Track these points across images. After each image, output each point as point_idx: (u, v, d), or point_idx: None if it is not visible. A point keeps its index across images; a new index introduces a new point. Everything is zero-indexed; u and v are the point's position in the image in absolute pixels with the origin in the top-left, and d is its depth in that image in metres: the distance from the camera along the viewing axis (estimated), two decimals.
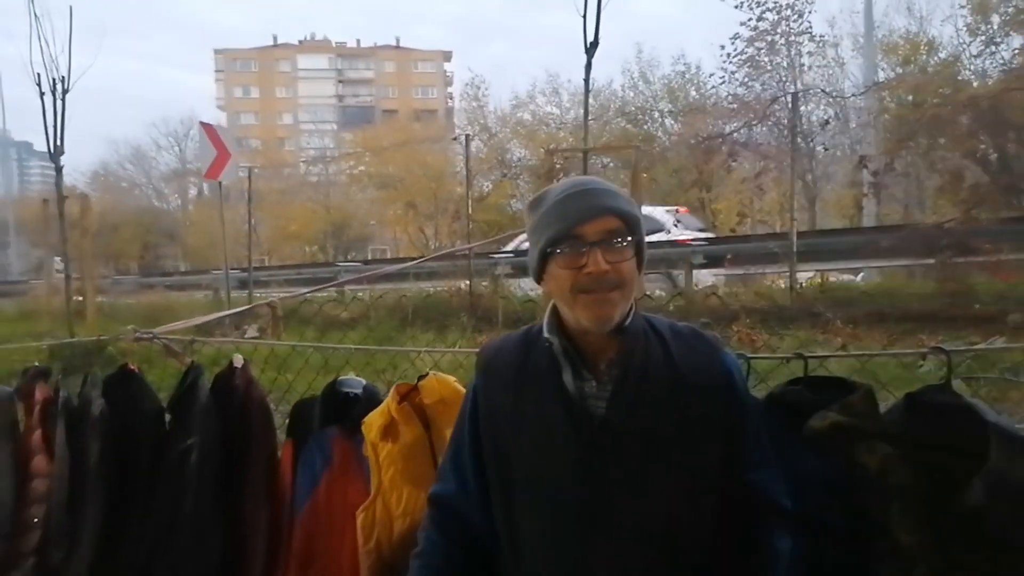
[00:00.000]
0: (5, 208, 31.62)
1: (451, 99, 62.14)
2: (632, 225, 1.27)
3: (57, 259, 8.03)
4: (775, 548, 1.33)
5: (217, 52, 69.04)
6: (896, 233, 6.64)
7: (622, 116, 24.77)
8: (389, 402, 2.14)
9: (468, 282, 7.62)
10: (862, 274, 8.44)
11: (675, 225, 9.24)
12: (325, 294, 8.09)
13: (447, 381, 2.15)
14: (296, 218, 30.19)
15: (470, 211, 8.35)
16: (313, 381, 3.05)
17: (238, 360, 2.56)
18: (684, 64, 23.97)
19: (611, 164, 18.84)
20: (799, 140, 18.64)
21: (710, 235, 9.19)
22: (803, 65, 20.21)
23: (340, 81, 69.94)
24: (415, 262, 8.37)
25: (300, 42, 72.09)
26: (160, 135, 41.77)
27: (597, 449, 1.27)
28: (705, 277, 7.58)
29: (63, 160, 7.03)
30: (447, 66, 70.40)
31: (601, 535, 1.27)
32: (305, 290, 6.53)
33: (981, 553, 1.46)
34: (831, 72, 20.41)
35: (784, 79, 20.11)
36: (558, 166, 6.85)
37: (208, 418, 2.46)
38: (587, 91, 5.25)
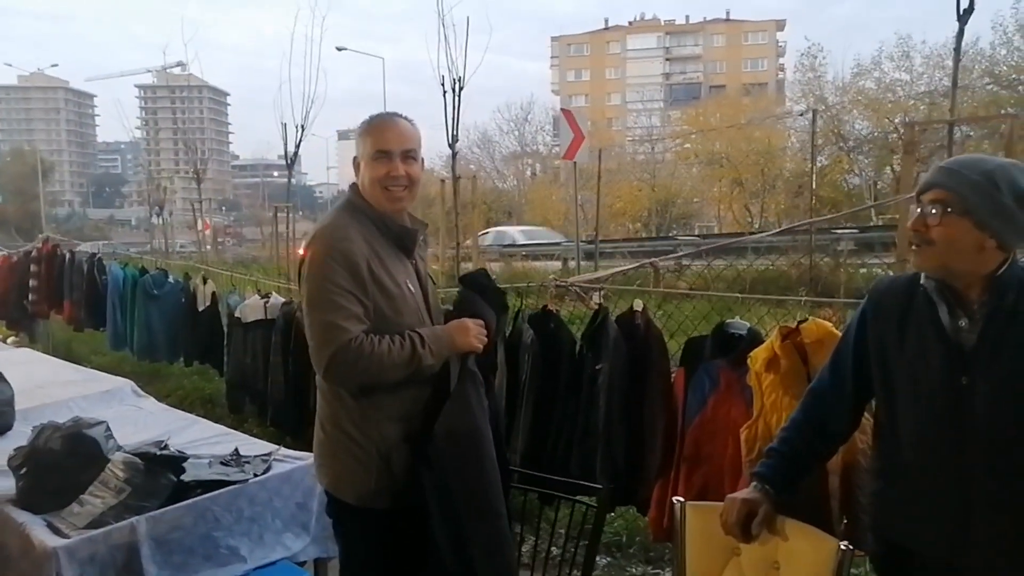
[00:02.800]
0: None
1: (783, 71, 59.19)
2: (958, 198, 1.58)
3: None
4: None
5: (553, 39, 73.49)
6: None
7: (991, 79, 21.80)
8: (773, 340, 2.60)
9: (809, 257, 7.68)
10: None
11: None
12: (664, 265, 8.66)
13: (824, 325, 2.55)
14: (622, 196, 31.27)
15: (814, 186, 8.28)
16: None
17: (638, 304, 3.20)
18: None
19: (972, 135, 16.75)
20: None
21: None
22: None
23: (668, 59, 70.36)
24: (756, 236, 8.60)
25: (630, 23, 73.80)
26: (503, 120, 45.71)
27: (965, 369, 1.62)
28: None
29: (428, 149, 8.46)
30: (780, 36, 67.14)
31: (968, 433, 1.61)
32: (667, 257, 7.17)
33: None
34: None
35: None
36: (917, 138, 6.58)
37: (616, 348, 3.13)
38: (957, 60, 5.06)
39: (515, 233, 13.92)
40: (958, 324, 1.66)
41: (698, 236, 15.08)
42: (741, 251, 8.93)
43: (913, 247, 1.67)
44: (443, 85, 8.09)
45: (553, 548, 3.03)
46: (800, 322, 2.60)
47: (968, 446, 1.63)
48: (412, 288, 2.07)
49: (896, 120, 23.69)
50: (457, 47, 8.01)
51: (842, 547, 1.70)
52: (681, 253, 7.50)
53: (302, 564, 2.79)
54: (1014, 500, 1.60)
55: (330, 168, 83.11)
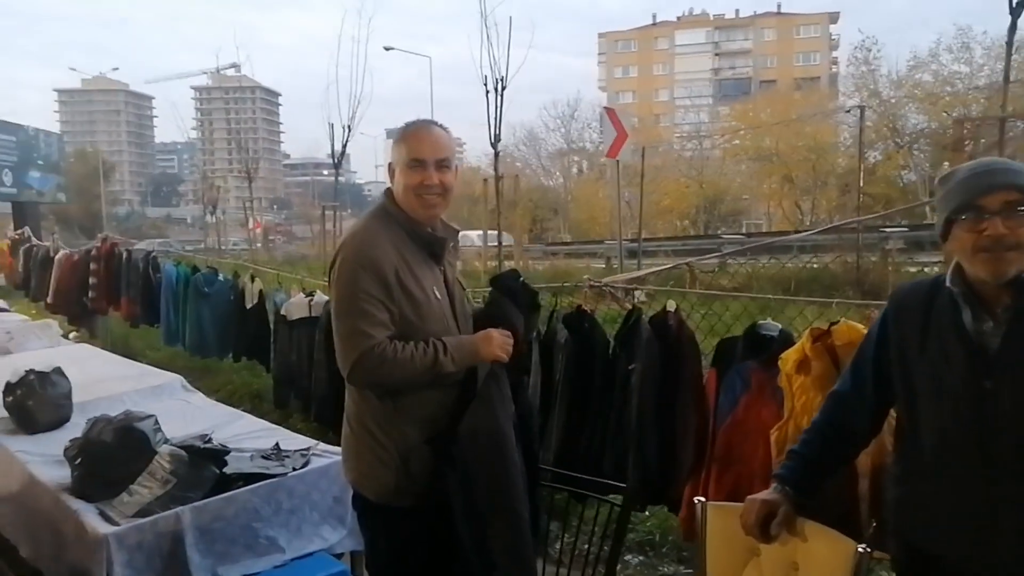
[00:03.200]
0: None
1: (836, 64, 57.89)
2: None
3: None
4: None
5: (600, 36, 73.16)
6: None
7: None
8: (804, 342, 2.60)
9: (856, 256, 7.54)
10: None
11: None
12: (708, 263, 8.60)
13: (856, 327, 2.54)
14: (669, 193, 31.03)
15: (861, 183, 8.13)
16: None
17: (671, 305, 3.21)
18: None
19: None
20: None
21: None
22: None
23: (716, 54, 69.39)
24: (801, 234, 8.49)
25: (678, 18, 73.00)
26: (549, 118, 45.45)
27: (989, 373, 1.60)
28: None
29: (473, 148, 8.50)
30: (833, 28, 65.62)
31: (992, 435, 1.60)
32: (704, 257, 7.13)
33: None
34: None
35: None
36: (966, 134, 6.42)
37: (649, 348, 3.15)
38: (1009, 54, 4.94)
39: (473, 236, 13.88)
40: (982, 327, 1.65)
41: (743, 234, 14.86)
42: (786, 249, 8.82)
43: (987, 254, 1.60)
44: (486, 84, 8.14)
45: (587, 545, 3.06)
46: (832, 324, 2.59)
47: (993, 449, 1.61)
48: (439, 295, 2.11)
49: (954, 113, 23.00)
50: (500, 46, 8.06)
51: (859, 549, 1.71)
52: (720, 252, 7.43)
53: (339, 556, 2.88)
54: None
55: (378, 166, 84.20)
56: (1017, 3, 4.74)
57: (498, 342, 2.10)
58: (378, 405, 2.06)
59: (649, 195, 31.30)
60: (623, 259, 9.28)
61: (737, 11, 71.63)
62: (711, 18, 72.13)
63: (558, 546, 3.35)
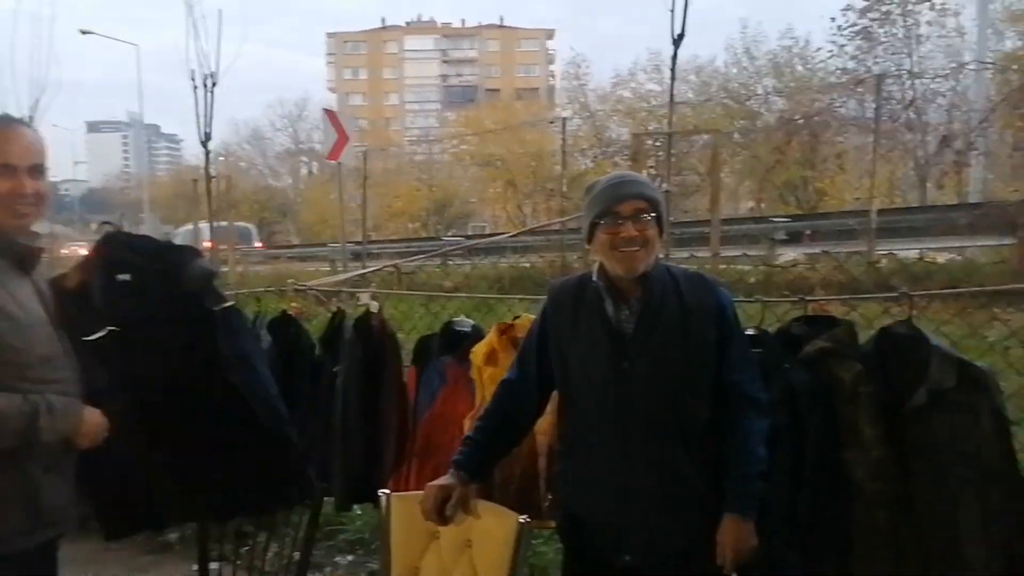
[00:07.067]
0: (141, 187, 34.65)
1: (552, 77, 62.48)
2: (654, 205, 1.87)
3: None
4: (751, 428, 1.90)
5: (329, 35, 71.86)
6: (977, 211, 6.79)
7: (726, 93, 24.50)
8: (491, 336, 2.79)
9: (560, 255, 8.22)
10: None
11: None
12: (431, 264, 8.87)
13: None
14: (401, 196, 31.43)
15: (564, 189, 8.89)
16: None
17: (374, 306, 3.27)
18: (791, 38, 23.32)
19: (699, 143, 18.61)
20: (912, 115, 18.11)
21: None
22: (920, 36, 19.50)
23: (444, 61, 71.50)
24: (510, 235, 9.07)
25: (407, 24, 74.07)
26: (276, 116, 43.58)
27: (626, 354, 1.87)
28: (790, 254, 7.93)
29: (193, 145, 8.05)
30: (550, 44, 70.71)
31: (629, 409, 1.86)
32: (411, 259, 7.33)
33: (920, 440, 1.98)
34: (951, 43, 19.46)
35: (899, 51, 19.54)
36: (648, 146, 7.26)
37: (352, 349, 3.17)
38: (673, 79, 5.69)
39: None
40: (620, 315, 1.91)
41: (463, 236, 15.53)
42: (502, 250, 9.39)
43: (621, 252, 1.85)
44: (193, 79, 7.65)
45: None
46: (515, 318, 2.82)
47: (628, 421, 1.87)
48: (38, 312, 1.86)
49: (650, 127, 25.88)
50: (209, 40, 7.60)
51: (520, 520, 1.89)
52: (435, 253, 7.70)
53: None
54: (664, 458, 1.87)
55: (78, 163, 75.20)
56: (678, 36, 5.45)
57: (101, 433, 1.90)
58: None
59: (382, 197, 31.55)
60: (347, 261, 9.25)
61: (463, 20, 74.55)
62: (439, 25, 74.22)
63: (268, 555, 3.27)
